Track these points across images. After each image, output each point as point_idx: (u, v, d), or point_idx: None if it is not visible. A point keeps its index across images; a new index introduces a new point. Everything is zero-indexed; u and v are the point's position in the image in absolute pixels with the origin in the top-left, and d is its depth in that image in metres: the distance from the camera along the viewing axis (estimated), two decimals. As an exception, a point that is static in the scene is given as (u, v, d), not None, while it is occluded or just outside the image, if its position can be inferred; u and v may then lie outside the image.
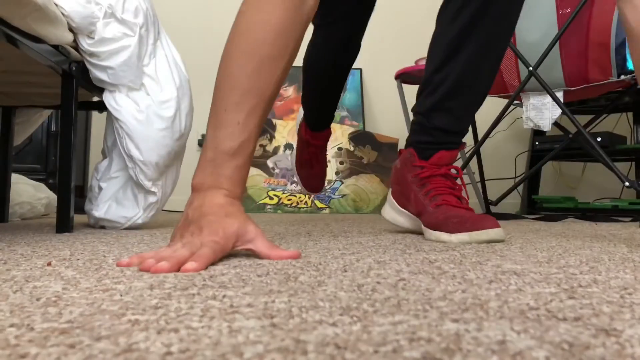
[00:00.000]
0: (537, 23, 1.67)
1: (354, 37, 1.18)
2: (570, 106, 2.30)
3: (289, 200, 2.56)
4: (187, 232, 0.59)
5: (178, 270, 0.50)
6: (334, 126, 2.35)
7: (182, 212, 0.63)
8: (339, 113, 2.80)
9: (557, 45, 1.64)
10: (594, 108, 2.01)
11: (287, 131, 2.77)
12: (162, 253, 0.54)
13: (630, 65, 1.85)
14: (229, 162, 0.63)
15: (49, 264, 0.55)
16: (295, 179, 1.48)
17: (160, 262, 0.50)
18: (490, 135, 1.82)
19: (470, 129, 2.08)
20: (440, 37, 0.97)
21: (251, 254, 0.63)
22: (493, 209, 1.96)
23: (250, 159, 0.66)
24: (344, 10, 1.12)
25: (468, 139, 2.54)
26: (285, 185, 2.64)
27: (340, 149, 2.69)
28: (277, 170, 2.68)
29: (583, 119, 1.84)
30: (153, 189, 1.12)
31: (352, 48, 1.20)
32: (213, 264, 0.55)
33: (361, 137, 2.79)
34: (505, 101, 1.81)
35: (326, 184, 2.04)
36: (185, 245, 0.55)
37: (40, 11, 0.87)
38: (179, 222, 0.62)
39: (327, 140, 1.41)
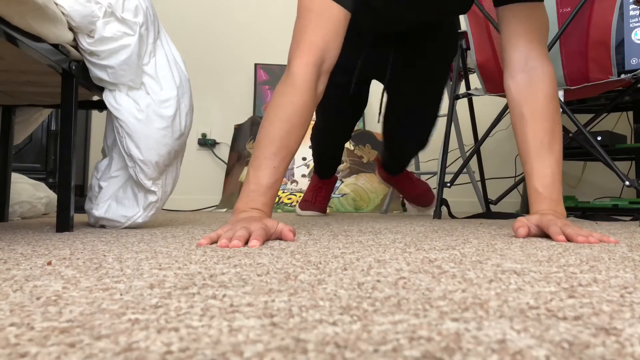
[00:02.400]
0: None
1: (346, 129, 1.73)
2: (570, 105, 2.29)
3: (289, 199, 2.56)
4: (237, 224, 0.79)
5: (245, 245, 0.73)
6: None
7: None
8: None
9: (557, 44, 1.64)
10: (593, 107, 2.01)
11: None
12: (227, 234, 0.75)
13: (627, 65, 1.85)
14: (267, 193, 0.88)
15: (49, 263, 0.55)
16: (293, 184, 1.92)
17: (231, 241, 0.72)
18: (490, 135, 1.82)
19: (469, 127, 2.08)
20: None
21: (251, 254, 0.63)
22: (493, 207, 1.96)
23: (276, 194, 0.90)
24: (338, 114, 1.67)
25: (468, 139, 2.53)
26: (285, 184, 2.64)
27: (340, 148, 2.68)
28: (277, 170, 2.68)
29: (583, 118, 1.84)
30: (153, 188, 1.12)
31: (345, 135, 1.75)
32: (215, 262, 0.55)
33: (361, 136, 2.79)
34: (505, 100, 1.80)
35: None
36: (241, 229, 0.76)
37: (39, 10, 0.87)
38: (226, 223, 0.83)
39: (333, 186, 2.00)
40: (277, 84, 0.97)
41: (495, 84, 1.79)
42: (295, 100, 0.93)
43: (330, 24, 0.98)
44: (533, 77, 1.00)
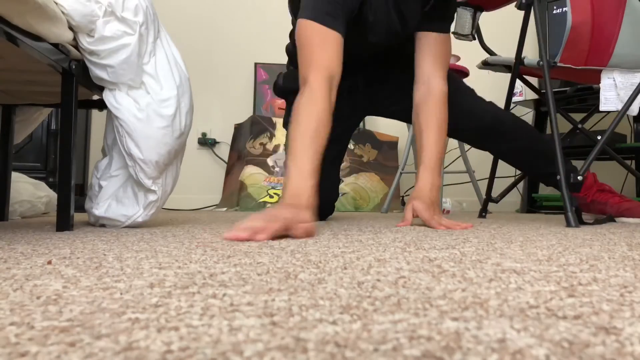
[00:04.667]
0: None
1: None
2: (571, 104, 2.30)
3: (289, 198, 2.55)
4: (267, 212, 0.89)
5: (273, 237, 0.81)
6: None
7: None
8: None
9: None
10: (593, 106, 2.01)
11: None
12: (257, 225, 0.82)
13: None
14: (309, 178, 0.98)
15: (49, 262, 0.55)
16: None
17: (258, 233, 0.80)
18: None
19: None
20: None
21: (251, 253, 0.63)
22: (494, 205, 1.95)
23: (317, 185, 1.00)
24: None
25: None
26: (286, 183, 2.63)
27: (340, 147, 2.68)
28: (277, 169, 2.68)
29: (582, 117, 1.84)
30: (153, 188, 1.12)
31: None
32: (215, 261, 0.55)
33: (361, 136, 2.79)
34: (505, 94, 1.77)
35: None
36: (259, 220, 0.84)
37: (39, 9, 0.87)
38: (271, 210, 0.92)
39: None
40: (298, 97, 1.12)
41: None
42: (319, 107, 1.09)
43: (331, 46, 1.16)
44: (429, 90, 1.31)
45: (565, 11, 1.39)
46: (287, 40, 1.60)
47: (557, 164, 1.30)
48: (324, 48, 1.16)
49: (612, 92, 1.44)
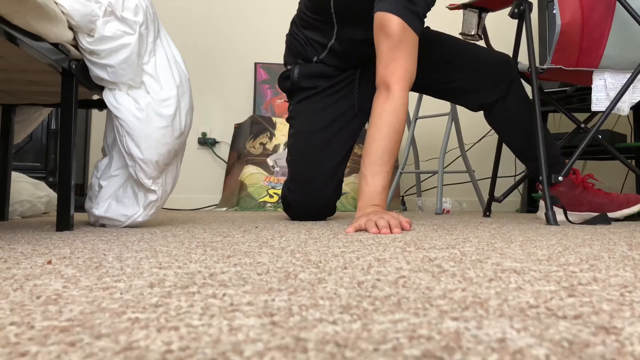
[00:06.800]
0: None
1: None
2: (570, 104, 2.30)
3: (289, 198, 2.55)
4: (371, 216, 0.99)
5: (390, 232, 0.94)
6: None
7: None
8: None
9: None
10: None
11: (287, 129, 2.76)
12: (369, 224, 0.96)
13: None
14: (383, 192, 1.11)
15: (49, 262, 0.55)
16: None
17: (381, 229, 0.93)
18: (489, 134, 1.82)
19: (470, 126, 2.06)
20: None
21: (251, 253, 0.63)
22: (494, 206, 1.96)
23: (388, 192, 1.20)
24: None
25: (470, 138, 2.52)
26: (286, 183, 2.63)
27: (340, 147, 2.67)
28: (277, 169, 2.68)
29: (582, 117, 1.83)
30: (153, 187, 1.12)
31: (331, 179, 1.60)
32: (215, 261, 0.55)
33: (362, 136, 2.79)
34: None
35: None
36: (380, 219, 0.96)
37: (39, 9, 0.87)
38: (359, 218, 1.02)
39: None
40: (377, 99, 1.18)
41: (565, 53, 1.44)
42: (400, 118, 1.16)
43: (415, 52, 1.19)
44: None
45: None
46: None
47: (540, 165, 1.36)
48: (412, 57, 1.18)
49: (603, 93, 1.47)
